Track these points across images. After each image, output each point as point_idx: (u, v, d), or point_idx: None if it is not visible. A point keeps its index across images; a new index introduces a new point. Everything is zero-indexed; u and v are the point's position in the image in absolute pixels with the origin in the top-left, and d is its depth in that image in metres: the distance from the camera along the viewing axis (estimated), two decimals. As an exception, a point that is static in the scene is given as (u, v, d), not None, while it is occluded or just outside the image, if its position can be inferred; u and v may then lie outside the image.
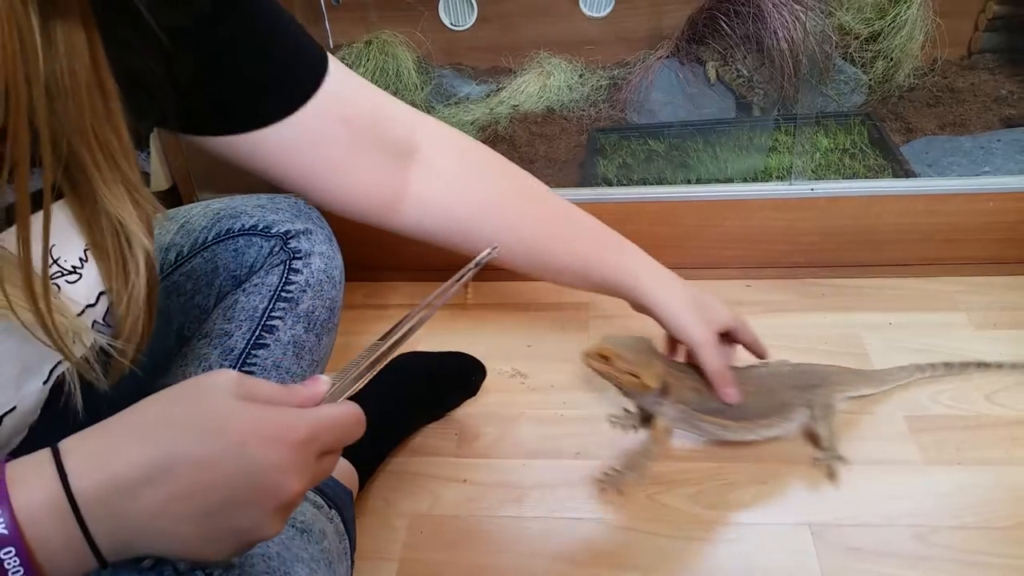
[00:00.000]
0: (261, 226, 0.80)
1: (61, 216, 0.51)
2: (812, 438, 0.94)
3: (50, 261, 0.50)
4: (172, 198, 1.23)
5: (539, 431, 1.00)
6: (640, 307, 0.88)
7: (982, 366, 1.01)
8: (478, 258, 0.65)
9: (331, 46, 1.61)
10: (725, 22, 1.40)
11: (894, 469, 0.90)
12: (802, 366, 0.95)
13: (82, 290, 0.54)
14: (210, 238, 0.80)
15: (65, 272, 0.53)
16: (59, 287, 0.52)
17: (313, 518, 0.69)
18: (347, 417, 0.49)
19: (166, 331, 0.78)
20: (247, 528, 0.45)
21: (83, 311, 0.54)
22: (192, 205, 0.85)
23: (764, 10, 1.36)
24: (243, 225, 0.80)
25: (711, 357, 0.86)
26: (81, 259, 0.54)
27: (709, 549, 0.84)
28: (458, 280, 0.62)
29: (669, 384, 0.87)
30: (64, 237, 0.52)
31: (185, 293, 0.79)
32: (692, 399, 0.89)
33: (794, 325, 1.13)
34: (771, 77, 1.38)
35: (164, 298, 0.78)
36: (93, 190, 0.50)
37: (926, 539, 0.82)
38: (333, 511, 0.73)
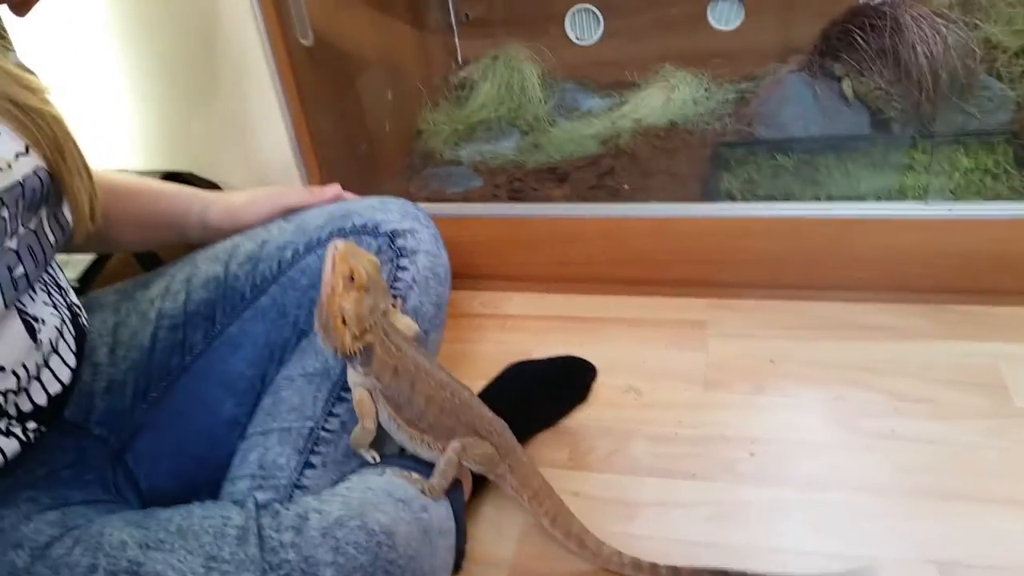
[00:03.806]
0: (370, 225, 0.86)
1: None
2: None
3: None
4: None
5: (653, 449, 0.99)
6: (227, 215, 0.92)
7: None
8: None
9: (460, 61, 1.65)
10: (860, 36, 1.35)
11: (1036, 511, 0.85)
12: (479, 410, 0.81)
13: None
14: (323, 236, 0.86)
15: None
16: None
17: (415, 495, 0.74)
18: None
19: (282, 323, 0.85)
20: None
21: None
22: (309, 209, 0.91)
23: (902, 23, 1.31)
24: (353, 224, 0.86)
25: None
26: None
27: (830, 581, 0.81)
28: None
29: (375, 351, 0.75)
30: None
31: (300, 288, 0.85)
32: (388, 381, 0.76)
33: (928, 352, 1.07)
34: (908, 93, 1.33)
35: (281, 293, 0.85)
36: None
37: (1072, 589, 0.77)
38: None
